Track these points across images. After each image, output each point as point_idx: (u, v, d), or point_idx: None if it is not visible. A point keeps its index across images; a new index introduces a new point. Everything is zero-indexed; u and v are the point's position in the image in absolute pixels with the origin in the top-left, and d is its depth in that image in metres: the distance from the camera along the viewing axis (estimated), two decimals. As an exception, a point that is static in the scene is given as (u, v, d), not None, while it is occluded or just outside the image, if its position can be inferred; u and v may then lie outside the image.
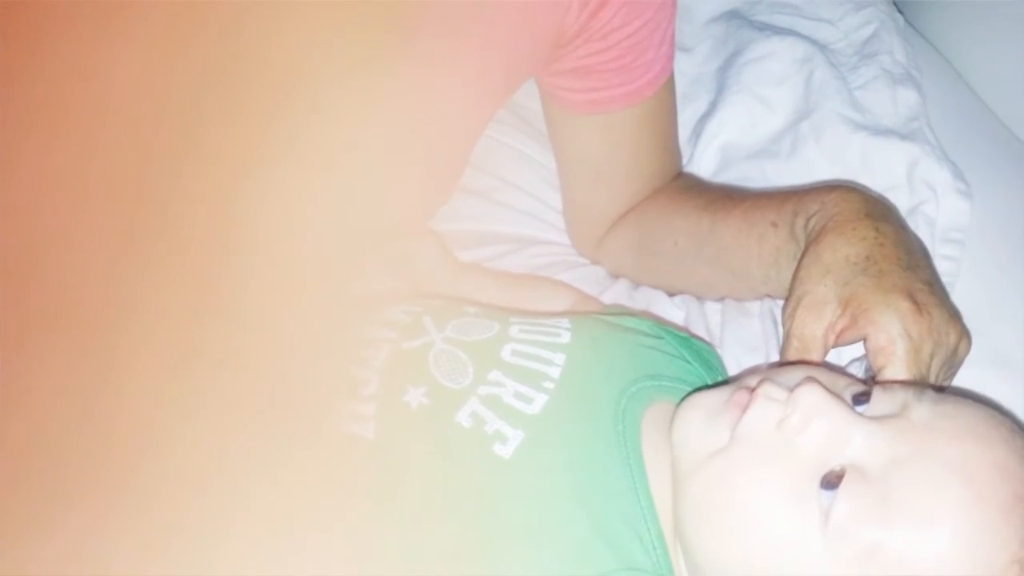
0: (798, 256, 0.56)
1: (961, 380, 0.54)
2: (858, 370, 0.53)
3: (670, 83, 0.68)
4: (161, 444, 0.45)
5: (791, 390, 0.45)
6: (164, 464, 0.44)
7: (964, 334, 0.52)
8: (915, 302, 0.50)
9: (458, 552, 0.47)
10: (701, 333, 0.65)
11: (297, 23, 0.48)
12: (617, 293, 0.72)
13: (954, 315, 0.52)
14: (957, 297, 0.57)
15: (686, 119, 0.78)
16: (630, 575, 0.46)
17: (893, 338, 0.49)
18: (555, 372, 0.51)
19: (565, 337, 0.53)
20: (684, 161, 0.76)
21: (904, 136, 0.70)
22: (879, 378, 0.50)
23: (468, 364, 0.51)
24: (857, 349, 0.53)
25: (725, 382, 0.53)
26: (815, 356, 0.53)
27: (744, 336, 0.64)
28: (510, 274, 0.71)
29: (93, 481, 0.44)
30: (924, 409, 0.45)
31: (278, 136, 0.48)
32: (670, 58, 0.66)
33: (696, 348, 0.58)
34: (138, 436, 0.45)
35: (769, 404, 0.45)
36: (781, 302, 0.57)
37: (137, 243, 0.46)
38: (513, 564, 0.46)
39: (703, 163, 0.77)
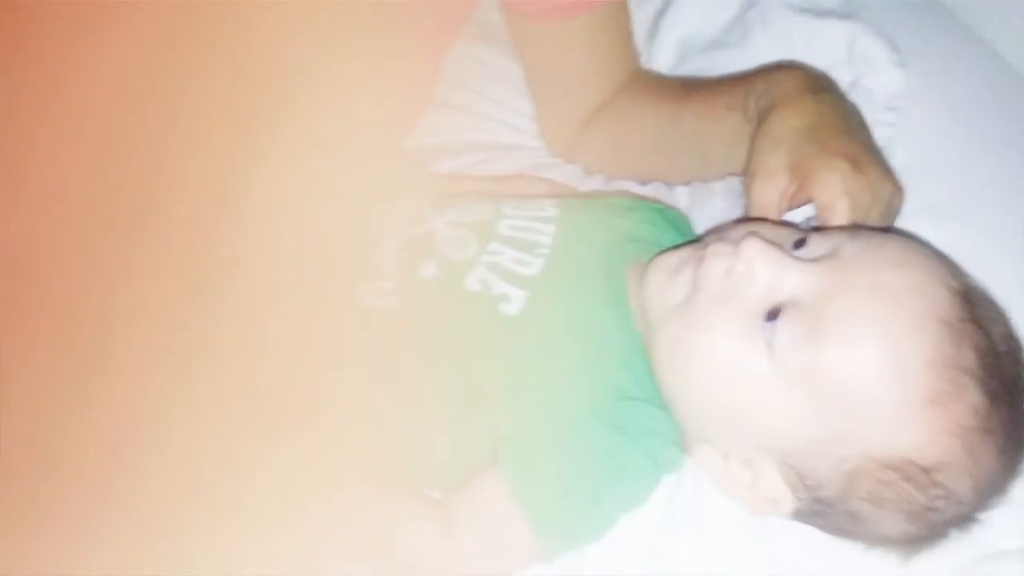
0: (752, 133, 0.62)
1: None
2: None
3: None
4: (150, 439, 0.46)
5: (736, 244, 0.52)
6: (154, 459, 0.46)
7: (898, 188, 0.59)
8: (853, 162, 0.57)
9: (475, 394, 0.55)
10: (672, 214, 0.71)
11: (281, 16, 0.49)
12: (593, 187, 0.77)
13: (888, 171, 0.59)
14: (898, 157, 0.63)
15: (642, 18, 0.81)
16: (627, 405, 0.54)
17: (835, 196, 0.56)
18: (547, 240, 0.59)
19: (552, 212, 0.61)
20: (643, 58, 0.80)
21: (843, 15, 0.74)
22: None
23: (470, 239, 0.59)
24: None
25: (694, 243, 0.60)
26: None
27: (711, 212, 0.70)
28: (489, 176, 0.77)
29: (83, 477, 0.45)
30: (854, 246, 0.52)
31: (264, 130, 0.49)
32: None
33: (667, 215, 0.66)
34: (127, 432, 0.46)
35: (718, 258, 0.53)
36: (742, 178, 0.63)
37: (124, 239, 0.47)
38: (526, 400, 0.54)
39: (660, 58, 0.81)
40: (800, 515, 0.54)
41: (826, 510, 0.53)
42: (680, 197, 0.74)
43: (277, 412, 0.50)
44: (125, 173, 0.47)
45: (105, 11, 0.46)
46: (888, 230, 0.58)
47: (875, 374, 0.49)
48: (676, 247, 0.58)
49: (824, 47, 0.72)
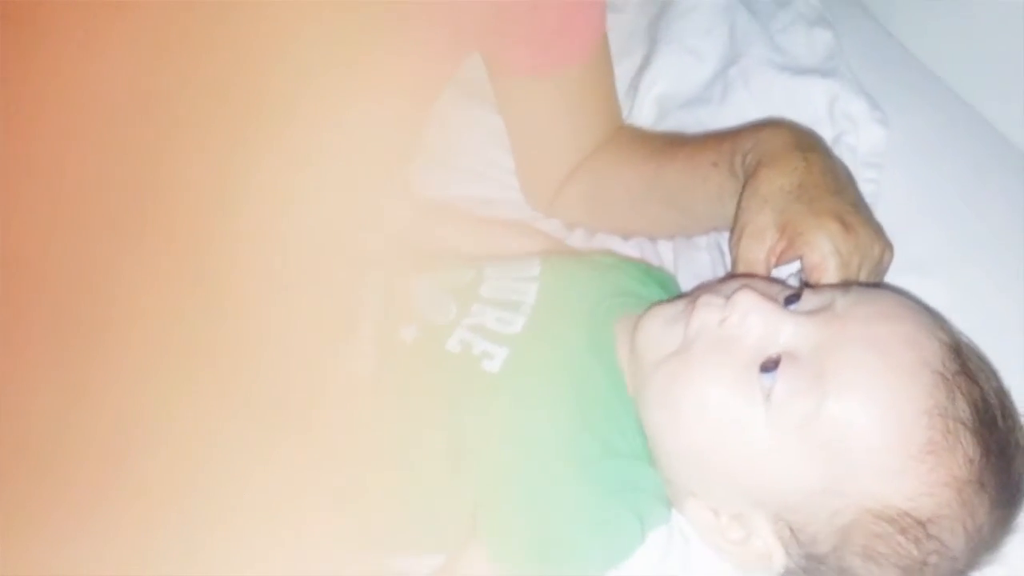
0: (739, 191, 0.62)
1: (886, 284, 0.60)
2: (796, 283, 0.60)
3: (605, 41, 0.72)
4: (148, 436, 0.46)
5: (729, 297, 0.52)
6: (151, 456, 0.46)
7: (887, 246, 0.59)
8: (843, 223, 0.57)
9: (457, 456, 0.54)
10: (656, 269, 0.70)
11: (282, 17, 0.49)
12: (575, 242, 0.76)
13: (878, 230, 0.59)
14: (880, 213, 0.64)
15: (623, 73, 0.82)
16: (612, 461, 0.53)
17: (825, 256, 0.56)
18: (530, 298, 0.58)
19: (536, 270, 0.61)
20: (624, 113, 0.80)
21: (824, 74, 0.76)
22: (815, 290, 0.57)
23: (451, 303, 0.58)
24: (795, 266, 0.60)
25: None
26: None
27: (695, 268, 0.70)
28: (481, 218, 0.76)
29: (82, 477, 0.45)
30: (846, 301, 0.52)
31: (262, 130, 0.49)
32: (603, 18, 0.71)
33: (652, 274, 0.66)
34: (125, 429, 0.46)
35: (711, 308, 0.53)
36: (727, 234, 0.63)
37: (121, 237, 0.47)
38: (505, 459, 0.53)
39: (642, 114, 0.81)
40: (790, 573, 0.54)
41: (818, 567, 0.52)
42: (664, 251, 0.73)
43: (275, 413, 0.50)
44: (124, 173, 0.47)
45: (105, 11, 0.45)
46: (876, 286, 0.58)
47: (875, 423, 0.49)
48: (670, 299, 0.58)
49: (805, 105, 0.73)
